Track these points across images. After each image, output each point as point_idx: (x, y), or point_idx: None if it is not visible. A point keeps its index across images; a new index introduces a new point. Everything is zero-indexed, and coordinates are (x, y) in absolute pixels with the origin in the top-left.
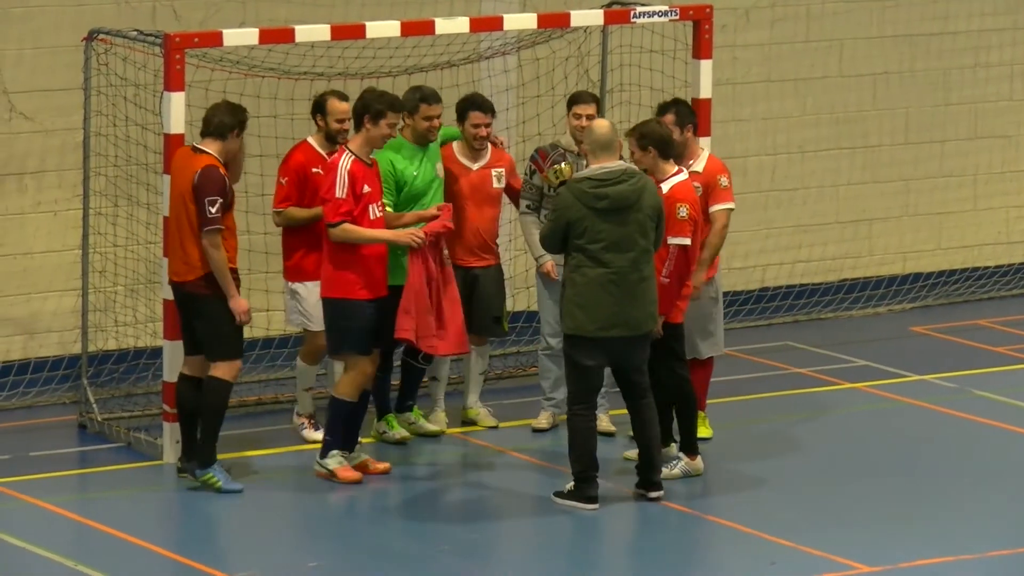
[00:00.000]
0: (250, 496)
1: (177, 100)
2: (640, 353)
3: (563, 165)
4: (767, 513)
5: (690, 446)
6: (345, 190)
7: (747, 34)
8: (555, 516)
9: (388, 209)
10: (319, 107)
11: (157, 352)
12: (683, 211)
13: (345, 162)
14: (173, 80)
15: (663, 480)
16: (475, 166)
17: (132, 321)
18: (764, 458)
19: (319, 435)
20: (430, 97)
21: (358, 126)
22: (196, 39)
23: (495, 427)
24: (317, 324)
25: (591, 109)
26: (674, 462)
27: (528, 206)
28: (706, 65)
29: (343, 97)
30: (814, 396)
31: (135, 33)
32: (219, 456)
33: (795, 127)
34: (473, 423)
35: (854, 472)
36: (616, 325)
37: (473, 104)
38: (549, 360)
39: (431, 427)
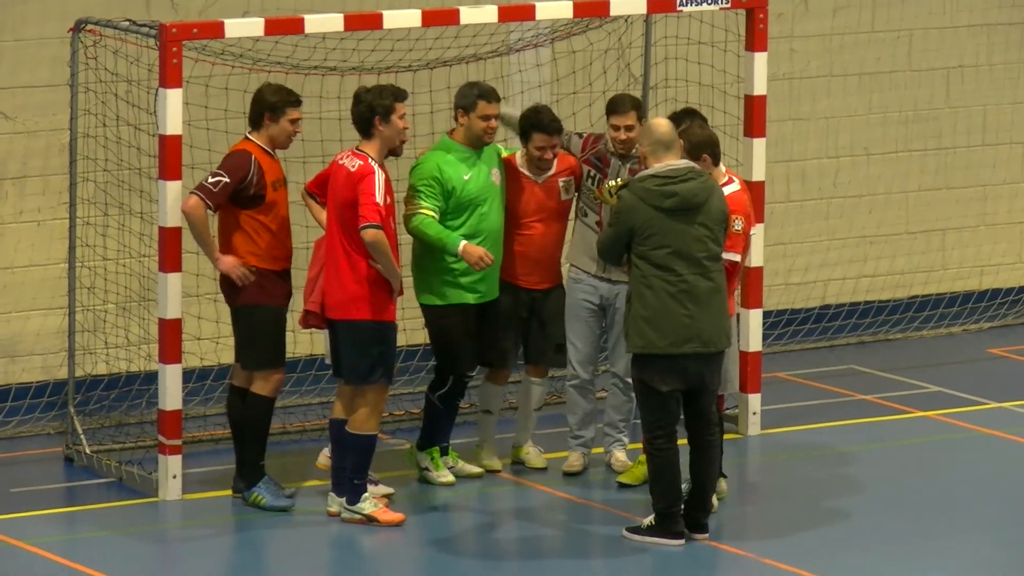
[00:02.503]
0: (259, 537)
1: (174, 98)
2: (714, 375)
3: (617, 181)
4: (830, 556)
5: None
6: (382, 197)
7: (806, 24)
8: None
9: (432, 215)
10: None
11: (152, 377)
12: (738, 224)
13: (380, 171)
14: (170, 75)
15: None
16: (540, 178)
17: (124, 343)
18: (826, 495)
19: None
20: (489, 94)
21: (368, 131)
22: (195, 30)
23: (544, 469)
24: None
25: (631, 119)
26: None
27: (580, 209)
28: (760, 58)
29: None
30: (881, 425)
31: (127, 23)
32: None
33: (859, 127)
34: (521, 463)
35: (926, 510)
36: (688, 340)
37: (537, 125)
38: (578, 394)
39: (473, 469)
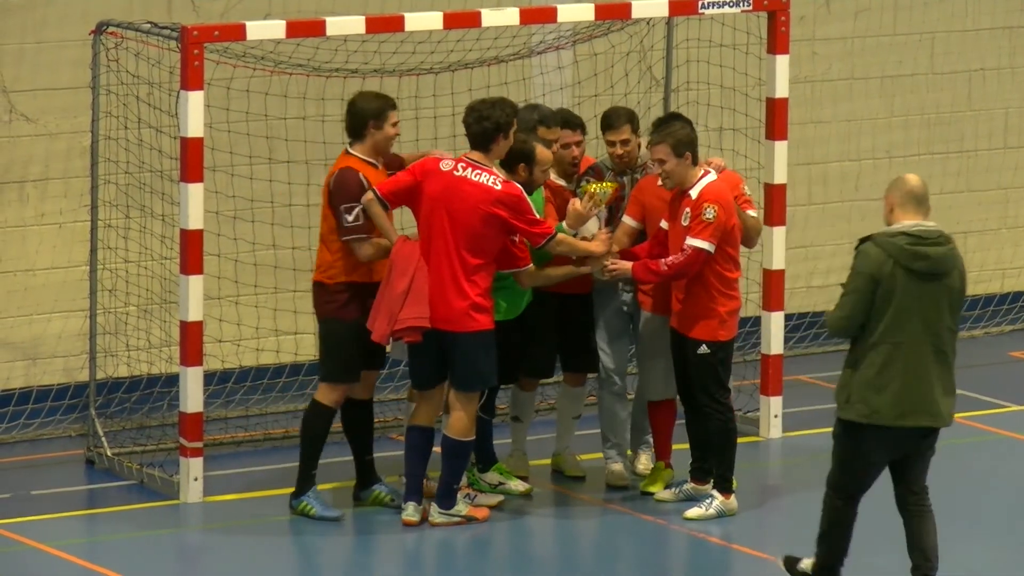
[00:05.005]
0: (280, 540)
1: (195, 100)
2: (932, 448)
3: (604, 183)
4: (850, 558)
5: (725, 483)
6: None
7: (828, 27)
8: None
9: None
10: (526, 157)
11: (173, 380)
12: (709, 212)
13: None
14: (191, 78)
15: (695, 520)
16: (572, 184)
17: (145, 345)
18: None
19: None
20: (549, 119)
21: (487, 146)
22: (216, 32)
23: (582, 478)
24: None
25: (625, 132)
26: (708, 500)
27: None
28: (782, 61)
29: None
30: None
31: (149, 26)
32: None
33: (881, 130)
34: (559, 470)
35: (946, 513)
36: (917, 412)
37: (560, 120)
38: (616, 402)
39: (518, 487)
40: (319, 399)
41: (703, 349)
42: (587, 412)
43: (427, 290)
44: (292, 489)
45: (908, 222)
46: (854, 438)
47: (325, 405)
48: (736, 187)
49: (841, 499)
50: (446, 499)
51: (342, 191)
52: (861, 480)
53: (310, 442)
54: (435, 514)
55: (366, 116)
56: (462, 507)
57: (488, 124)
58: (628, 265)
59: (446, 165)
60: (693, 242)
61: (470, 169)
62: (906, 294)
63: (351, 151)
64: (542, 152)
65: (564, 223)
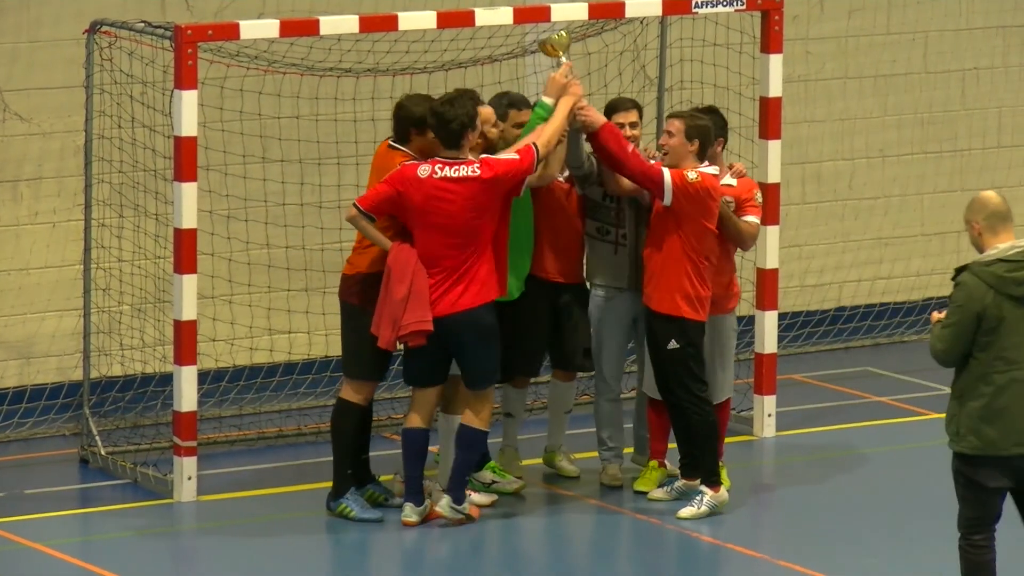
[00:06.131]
0: (275, 540)
1: (189, 99)
2: None
3: (562, 33)
4: (845, 558)
5: (713, 477)
6: None
7: (821, 26)
8: None
9: None
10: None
11: (167, 379)
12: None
13: None
14: (185, 77)
15: (688, 519)
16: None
17: (139, 344)
18: (841, 497)
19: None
20: (519, 102)
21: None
22: (210, 32)
23: (576, 477)
24: None
25: (633, 115)
26: (699, 497)
27: (598, 229)
28: (776, 60)
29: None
30: (896, 427)
31: (142, 25)
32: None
33: (875, 129)
34: (551, 467)
35: (942, 512)
36: None
37: (513, 102)
38: (612, 407)
39: (510, 486)
40: (344, 396)
41: (672, 344)
42: (579, 411)
43: (427, 293)
44: (287, 488)
45: (1002, 245)
46: (969, 469)
47: (351, 402)
48: (748, 191)
49: (974, 537)
50: (459, 490)
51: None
52: (986, 510)
53: (340, 441)
54: (445, 506)
55: (408, 123)
56: (467, 505)
57: (454, 125)
58: (600, 117)
59: (423, 171)
60: (664, 172)
61: (448, 168)
62: (1012, 322)
63: (395, 145)
64: (482, 111)
65: (544, 97)
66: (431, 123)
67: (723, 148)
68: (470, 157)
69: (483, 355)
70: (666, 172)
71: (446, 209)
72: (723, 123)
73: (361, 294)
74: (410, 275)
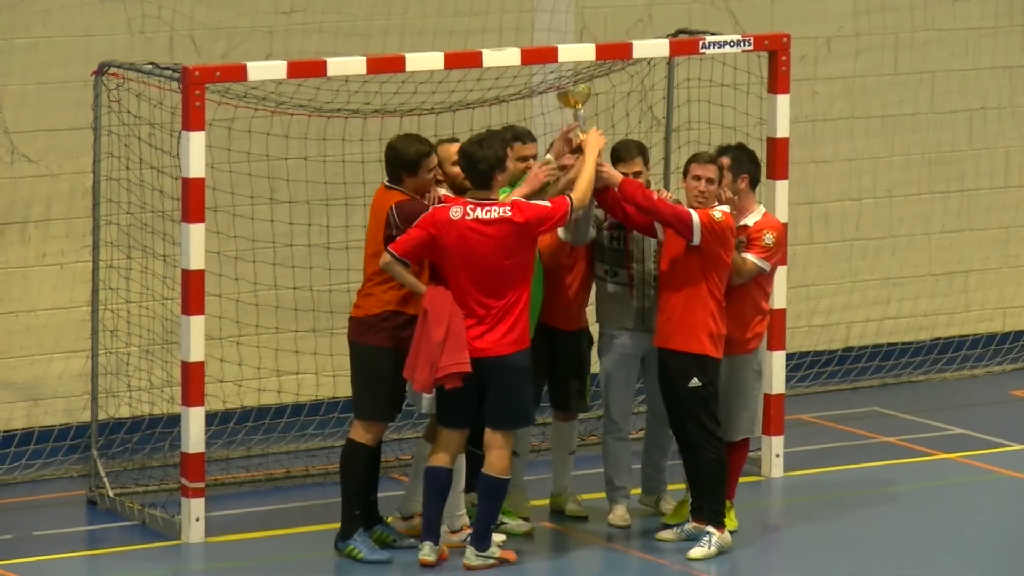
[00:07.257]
0: None
1: (196, 140)
2: None
3: (587, 86)
4: None
5: (720, 517)
6: None
7: (828, 66)
8: None
9: None
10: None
11: (174, 420)
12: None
13: None
14: (193, 118)
15: (699, 560)
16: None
17: (147, 386)
18: (849, 538)
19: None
20: (524, 135)
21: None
22: (218, 73)
23: (584, 518)
24: None
25: (637, 165)
26: (707, 538)
27: (607, 272)
28: (783, 100)
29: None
30: (905, 468)
31: (150, 66)
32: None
33: (882, 169)
34: (560, 511)
35: (950, 553)
36: None
37: (518, 135)
38: (620, 446)
39: (519, 528)
40: (354, 437)
41: (694, 382)
42: (587, 452)
43: (464, 335)
44: (295, 529)
45: None
46: None
47: (360, 443)
48: (758, 230)
49: None
50: (483, 540)
51: (413, 217)
52: None
53: (348, 482)
54: (471, 556)
55: (398, 165)
56: (496, 550)
57: (482, 166)
58: (617, 173)
59: (455, 213)
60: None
61: (480, 209)
62: None
63: (392, 186)
64: (445, 150)
65: (548, 154)
66: (461, 164)
67: (748, 185)
68: (500, 198)
69: (515, 395)
70: (693, 213)
71: (479, 250)
72: (749, 159)
73: (371, 335)
74: (447, 317)
